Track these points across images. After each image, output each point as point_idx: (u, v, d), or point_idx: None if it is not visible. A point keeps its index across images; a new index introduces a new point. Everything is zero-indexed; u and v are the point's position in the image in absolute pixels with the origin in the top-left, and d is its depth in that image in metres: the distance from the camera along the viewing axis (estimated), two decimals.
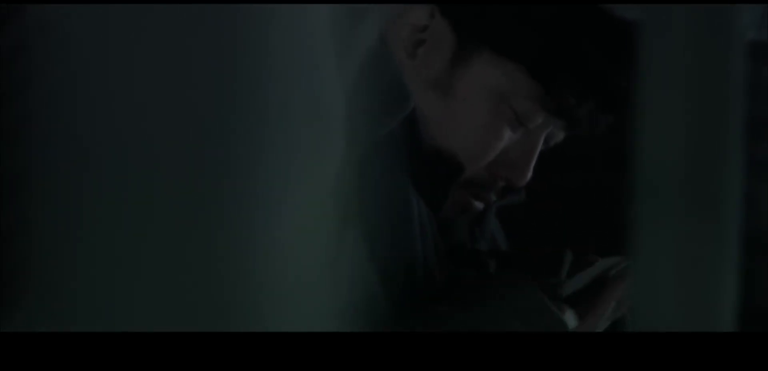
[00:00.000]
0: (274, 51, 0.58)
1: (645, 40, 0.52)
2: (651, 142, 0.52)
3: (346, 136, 0.63)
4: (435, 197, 1.11)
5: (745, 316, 0.56)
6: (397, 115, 1.05)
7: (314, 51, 0.61)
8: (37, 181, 0.57)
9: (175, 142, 0.55)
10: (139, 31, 0.56)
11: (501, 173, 1.13)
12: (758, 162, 1.42)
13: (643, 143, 0.52)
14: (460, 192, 1.14)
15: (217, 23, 0.56)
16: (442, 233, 1.14)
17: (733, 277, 0.53)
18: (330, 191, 0.61)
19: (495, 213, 1.25)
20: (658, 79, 0.52)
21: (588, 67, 1.08)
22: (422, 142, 1.09)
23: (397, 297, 1.05)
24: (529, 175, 1.14)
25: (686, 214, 0.52)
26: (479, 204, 1.17)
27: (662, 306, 0.52)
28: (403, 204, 1.07)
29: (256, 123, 0.57)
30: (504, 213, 1.26)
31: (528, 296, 1.07)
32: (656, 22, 0.52)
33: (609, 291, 1.12)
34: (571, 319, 1.10)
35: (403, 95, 1.05)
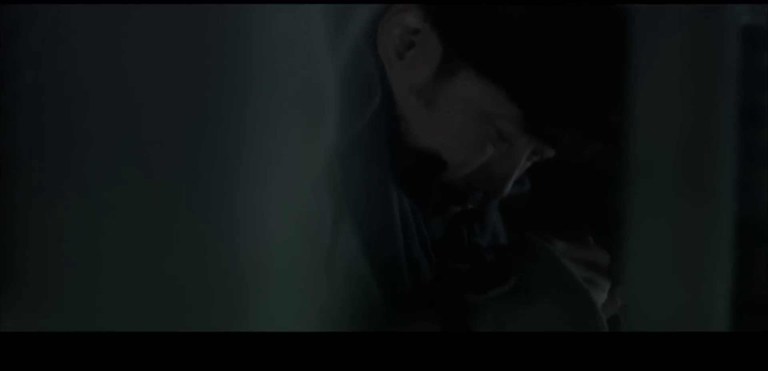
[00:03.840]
0: (266, 41, 0.58)
1: (639, 25, 0.52)
2: (645, 127, 0.52)
3: (337, 126, 0.63)
4: (418, 192, 1.11)
5: (738, 301, 0.55)
6: (365, 112, 1.05)
7: (307, 41, 0.61)
8: (22, 171, 0.57)
9: (166, 134, 0.55)
10: (130, 20, 0.56)
11: (478, 185, 1.14)
12: (752, 147, 1.42)
13: (638, 128, 0.52)
14: (436, 195, 1.14)
15: (209, 13, 0.56)
16: (433, 227, 1.14)
17: (726, 262, 0.52)
18: (322, 183, 0.61)
19: (497, 206, 1.25)
20: (651, 65, 0.52)
21: (573, 99, 1.08)
22: (403, 140, 1.10)
23: (386, 290, 1.06)
24: (508, 189, 1.15)
25: (680, 199, 0.52)
26: (456, 208, 1.17)
27: (657, 289, 0.52)
28: (383, 198, 1.07)
29: (248, 113, 0.56)
30: (502, 202, 1.26)
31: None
32: (650, 8, 0.52)
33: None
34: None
35: (372, 92, 1.05)
